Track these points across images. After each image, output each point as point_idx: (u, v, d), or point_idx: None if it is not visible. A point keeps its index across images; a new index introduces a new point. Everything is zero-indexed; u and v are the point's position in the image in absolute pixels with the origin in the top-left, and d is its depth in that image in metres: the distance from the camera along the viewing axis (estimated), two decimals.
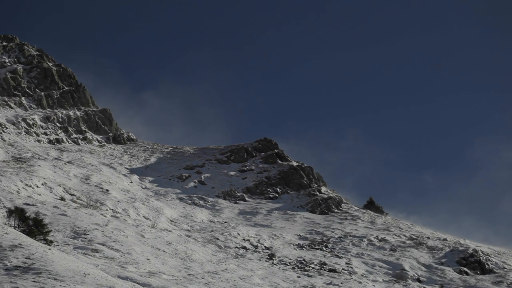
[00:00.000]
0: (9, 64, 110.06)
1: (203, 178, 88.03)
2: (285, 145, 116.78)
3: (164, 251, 44.69)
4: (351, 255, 60.81)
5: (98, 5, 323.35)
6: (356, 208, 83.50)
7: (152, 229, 52.14)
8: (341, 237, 67.02)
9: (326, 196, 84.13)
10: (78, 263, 26.52)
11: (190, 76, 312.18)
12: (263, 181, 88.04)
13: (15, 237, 27.50)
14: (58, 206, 47.94)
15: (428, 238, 68.43)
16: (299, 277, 48.99)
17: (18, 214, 34.74)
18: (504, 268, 61.70)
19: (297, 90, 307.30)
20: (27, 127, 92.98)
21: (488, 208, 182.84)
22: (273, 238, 64.32)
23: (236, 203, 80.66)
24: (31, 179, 59.20)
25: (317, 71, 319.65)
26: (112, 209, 60.11)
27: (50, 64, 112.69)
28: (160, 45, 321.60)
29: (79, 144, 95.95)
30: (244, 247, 58.75)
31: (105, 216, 49.83)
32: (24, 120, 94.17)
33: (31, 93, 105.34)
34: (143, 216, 62.48)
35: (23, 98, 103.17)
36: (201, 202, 77.51)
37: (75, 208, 49.47)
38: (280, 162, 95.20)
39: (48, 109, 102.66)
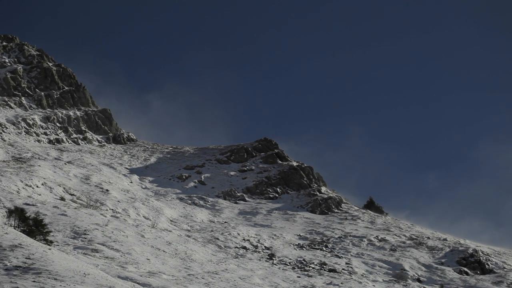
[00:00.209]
0: (9, 64, 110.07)
1: (203, 178, 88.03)
2: (285, 145, 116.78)
3: (164, 251, 44.69)
4: (351, 255, 60.81)
5: (97, 5, 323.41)
6: (356, 208, 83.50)
7: (152, 229, 52.15)
8: (341, 237, 67.02)
9: (326, 196, 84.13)
10: (78, 263, 26.52)
11: (190, 77, 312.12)
12: (263, 181, 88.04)
13: (15, 237, 27.49)
14: (58, 206, 47.94)
15: (428, 238, 68.43)
16: (299, 277, 48.99)
17: (18, 214, 34.74)
18: (504, 268, 61.70)
19: (297, 90, 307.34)
20: (27, 127, 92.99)
21: (493, 210, 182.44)
22: (273, 238, 64.32)
23: (236, 203, 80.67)
24: (31, 179, 59.20)
25: (317, 71, 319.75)
26: (112, 209, 60.11)
27: (50, 64, 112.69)
28: (160, 46, 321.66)
29: (79, 144, 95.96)
30: (244, 247, 58.75)
31: (105, 216, 49.83)
32: (24, 120, 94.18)
33: (31, 93, 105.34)
34: (143, 216, 62.49)
35: (23, 98, 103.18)
36: (201, 202, 77.52)
37: (75, 208, 49.47)
38: (280, 162, 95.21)
39: (48, 109, 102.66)
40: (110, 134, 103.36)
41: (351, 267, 56.59)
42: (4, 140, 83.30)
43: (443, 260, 62.08)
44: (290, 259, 56.48)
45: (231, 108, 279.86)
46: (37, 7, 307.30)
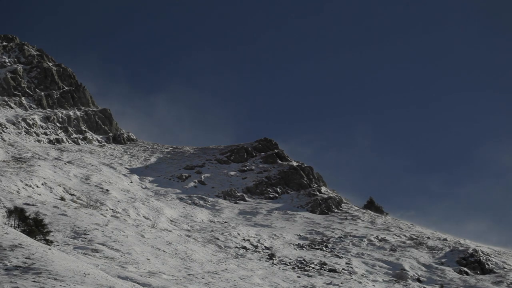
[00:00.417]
0: (9, 64, 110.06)
1: (203, 178, 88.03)
2: (285, 145, 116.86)
3: (164, 251, 44.68)
4: (351, 255, 60.80)
5: (97, 5, 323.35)
6: (356, 208, 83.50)
7: (152, 229, 52.13)
8: (341, 237, 67.01)
9: (326, 196, 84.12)
10: (78, 263, 26.51)
11: (190, 77, 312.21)
12: (263, 181, 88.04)
13: (15, 237, 27.49)
14: (58, 206, 47.93)
15: (428, 238, 68.42)
16: (299, 277, 48.98)
17: (18, 214, 34.73)
18: (504, 268, 61.69)
19: (297, 90, 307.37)
20: (27, 127, 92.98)
21: (501, 211, 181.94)
22: (273, 238, 64.31)
23: (236, 203, 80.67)
24: (31, 179, 59.19)
25: (317, 71, 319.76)
26: (112, 209, 60.10)
27: (50, 64, 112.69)
28: (160, 46, 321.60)
29: (79, 144, 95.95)
30: (244, 247, 58.75)
31: (105, 216, 49.82)
32: (24, 120, 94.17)
33: (31, 93, 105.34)
34: (143, 216, 62.48)
35: (23, 98, 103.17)
36: (201, 202, 77.51)
37: (75, 208, 49.46)
38: (280, 162, 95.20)
39: (48, 109, 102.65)
40: (110, 134, 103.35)
41: (351, 267, 56.58)
42: (4, 140, 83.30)
43: (443, 260, 62.06)
44: (290, 259, 56.47)
45: (231, 108, 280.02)
46: (37, 7, 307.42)
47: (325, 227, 71.49)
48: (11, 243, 26.26)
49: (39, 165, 67.86)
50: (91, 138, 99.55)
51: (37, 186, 58.51)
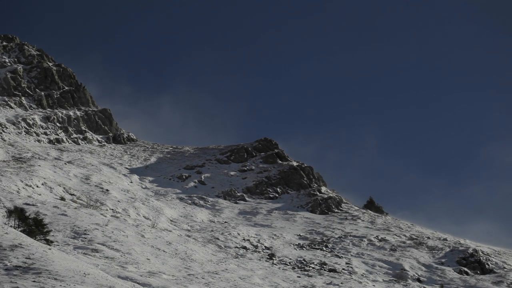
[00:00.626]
0: (9, 64, 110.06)
1: (203, 178, 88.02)
2: (285, 145, 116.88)
3: (164, 251, 44.68)
4: (351, 255, 60.80)
5: (97, 5, 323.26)
6: (356, 208, 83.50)
7: (152, 229, 52.13)
8: (341, 237, 67.01)
9: (326, 196, 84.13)
10: (78, 263, 26.51)
11: (190, 77, 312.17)
12: (263, 181, 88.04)
13: (15, 237, 27.48)
14: (58, 206, 47.92)
15: (428, 238, 68.42)
16: (299, 277, 48.98)
17: (18, 214, 34.71)
18: (504, 268, 61.69)
19: (297, 90, 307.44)
20: (27, 127, 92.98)
21: (502, 212, 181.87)
22: (273, 238, 64.31)
23: (236, 203, 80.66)
24: (31, 179, 59.19)
25: (317, 71, 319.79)
26: (112, 209, 60.10)
27: (50, 64, 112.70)
28: (160, 47, 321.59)
29: (79, 144, 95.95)
30: (244, 247, 58.74)
31: (105, 216, 49.81)
32: (24, 120, 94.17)
33: (31, 93, 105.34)
34: (143, 216, 62.48)
35: (23, 98, 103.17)
36: (201, 202, 77.51)
37: (75, 208, 49.46)
38: (280, 162, 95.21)
39: (48, 109, 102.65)
40: (110, 134, 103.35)
41: (351, 267, 56.58)
42: (4, 140, 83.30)
43: (443, 260, 62.06)
44: (290, 259, 56.46)
45: (231, 108, 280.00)
46: (37, 7, 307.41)
47: (325, 227, 71.49)
48: (11, 243, 26.26)
49: (39, 165, 67.86)
50: (91, 138, 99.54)
51: (37, 186, 58.50)
